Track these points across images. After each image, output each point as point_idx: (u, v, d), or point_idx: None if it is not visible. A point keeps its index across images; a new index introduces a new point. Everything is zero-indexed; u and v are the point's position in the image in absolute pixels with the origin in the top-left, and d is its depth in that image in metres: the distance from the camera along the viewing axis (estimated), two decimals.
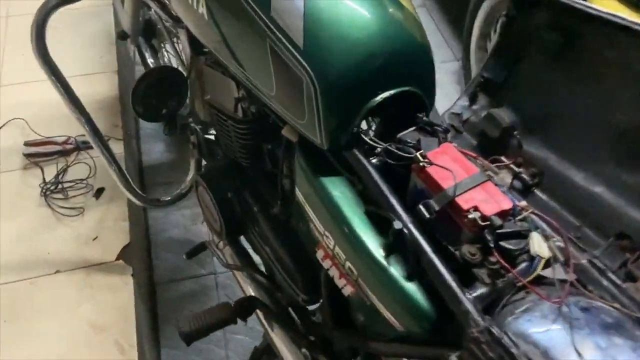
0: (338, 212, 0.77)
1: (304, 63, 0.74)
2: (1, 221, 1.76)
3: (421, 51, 0.81)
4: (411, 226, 0.70)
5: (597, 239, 0.75)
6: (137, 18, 1.86)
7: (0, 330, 1.49)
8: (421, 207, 0.70)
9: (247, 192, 1.11)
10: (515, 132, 0.79)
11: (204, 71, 1.16)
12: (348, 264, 0.77)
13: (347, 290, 0.81)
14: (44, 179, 1.88)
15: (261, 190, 1.09)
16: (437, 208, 0.69)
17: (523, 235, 0.68)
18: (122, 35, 1.94)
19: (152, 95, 1.22)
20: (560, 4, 0.78)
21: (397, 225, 0.70)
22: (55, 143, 1.97)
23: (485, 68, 0.90)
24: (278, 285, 1.12)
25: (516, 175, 0.80)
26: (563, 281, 0.69)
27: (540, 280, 0.68)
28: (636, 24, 0.73)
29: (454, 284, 0.65)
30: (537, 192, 0.80)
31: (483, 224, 0.67)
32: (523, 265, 0.69)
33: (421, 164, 0.73)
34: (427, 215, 0.69)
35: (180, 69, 1.87)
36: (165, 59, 2.04)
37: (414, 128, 0.82)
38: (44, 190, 1.84)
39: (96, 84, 2.25)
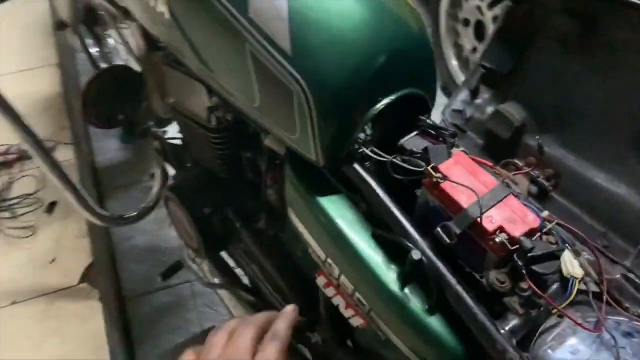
0: (343, 238, 0.68)
1: (293, 72, 0.63)
2: None
3: (422, 47, 0.71)
4: (431, 254, 0.62)
5: (624, 245, 0.69)
6: (76, 5, 1.68)
7: None
8: (440, 231, 0.62)
9: (227, 206, 1.00)
10: (537, 137, 0.71)
11: (164, 71, 1.02)
12: (358, 295, 0.69)
13: (357, 322, 0.73)
14: None
15: (243, 203, 0.98)
16: (458, 232, 0.61)
17: (555, 256, 0.61)
18: (60, 25, 1.77)
19: (105, 100, 1.07)
20: None
21: (416, 255, 0.61)
22: None
23: (486, 57, 0.82)
24: (268, 302, 1.03)
25: (533, 180, 0.73)
26: (598, 298, 0.63)
27: (573, 300, 0.62)
28: None
29: (486, 321, 0.58)
30: (556, 196, 0.73)
31: (513, 248, 0.59)
32: (554, 286, 0.63)
33: (435, 179, 0.65)
34: (448, 241, 0.61)
35: (133, 62, 1.72)
36: (111, 47, 1.87)
37: (416, 133, 0.73)
38: None
39: (36, 81, 2.04)
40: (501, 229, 0.61)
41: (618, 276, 0.65)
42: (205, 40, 0.73)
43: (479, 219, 0.61)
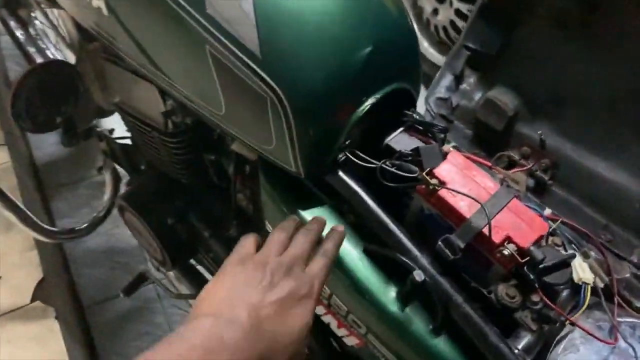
0: None
1: (265, 77, 0.54)
2: None
3: (406, 36, 0.63)
4: (434, 272, 0.56)
5: (628, 237, 0.66)
6: None
7: None
8: (442, 245, 0.56)
9: (191, 213, 0.91)
10: (539, 132, 0.65)
11: (105, 66, 0.90)
12: (352, 317, 0.62)
13: (351, 341, 0.67)
14: None
15: (210, 209, 0.89)
16: (462, 245, 0.56)
17: (567, 263, 0.57)
18: None
19: (39, 102, 0.94)
20: None
21: (418, 277, 0.55)
22: None
23: (469, 36, 0.74)
24: None
25: (531, 174, 0.68)
26: (608, 299, 0.60)
27: None
28: None
29: (499, 342, 0.54)
30: (555, 188, 0.69)
31: (523, 261, 0.54)
32: (564, 293, 0.59)
33: (431, 186, 0.58)
34: (452, 256, 0.55)
35: (64, 48, 1.54)
36: (39, 29, 1.68)
37: (402, 129, 0.66)
38: None
39: None
40: (509, 239, 0.56)
41: (627, 275, 0.62)
42: (156, 41, 0.62)
43: (484, 230, 0.55)
